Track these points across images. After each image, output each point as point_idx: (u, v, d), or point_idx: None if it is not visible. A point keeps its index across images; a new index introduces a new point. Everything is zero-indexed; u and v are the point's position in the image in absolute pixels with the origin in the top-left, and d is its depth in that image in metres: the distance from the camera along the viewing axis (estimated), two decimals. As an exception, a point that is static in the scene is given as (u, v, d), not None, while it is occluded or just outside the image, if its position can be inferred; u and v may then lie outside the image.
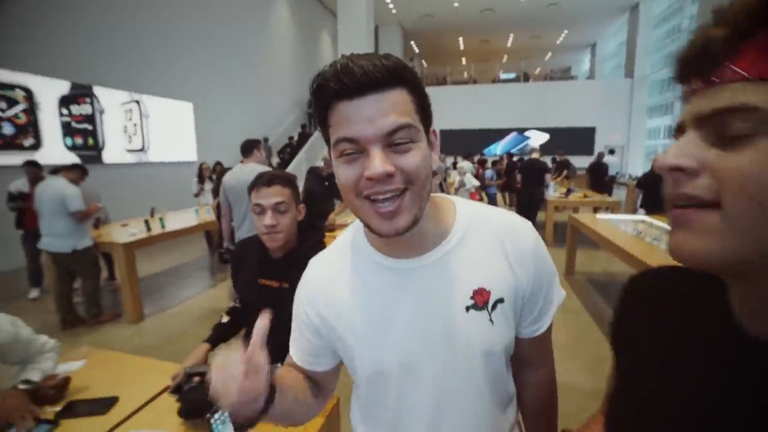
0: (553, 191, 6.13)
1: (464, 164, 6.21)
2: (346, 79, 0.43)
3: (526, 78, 15.83)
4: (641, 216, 4.16)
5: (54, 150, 5.18)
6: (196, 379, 1.08)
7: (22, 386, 1.10)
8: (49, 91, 5.11)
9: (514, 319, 0.57)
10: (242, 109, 9.27)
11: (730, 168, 0.27)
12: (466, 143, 12.79)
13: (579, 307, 3.47)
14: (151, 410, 1.12)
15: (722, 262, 0.28)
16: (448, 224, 0.57)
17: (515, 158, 9.01)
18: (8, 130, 4.68)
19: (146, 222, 3.71)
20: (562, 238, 5.33)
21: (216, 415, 0.92)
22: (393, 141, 0.45)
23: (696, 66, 0.30)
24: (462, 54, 18.63)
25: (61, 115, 5.32)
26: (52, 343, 1.24)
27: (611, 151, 9.10)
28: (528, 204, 5.54)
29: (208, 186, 5.36)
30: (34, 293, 3.85)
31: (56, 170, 3.23)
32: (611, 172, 8.19)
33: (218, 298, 3.87)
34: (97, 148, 5.88)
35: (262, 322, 0.47)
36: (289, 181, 1.17)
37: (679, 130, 0.31)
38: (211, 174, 5.51)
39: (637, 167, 12.39)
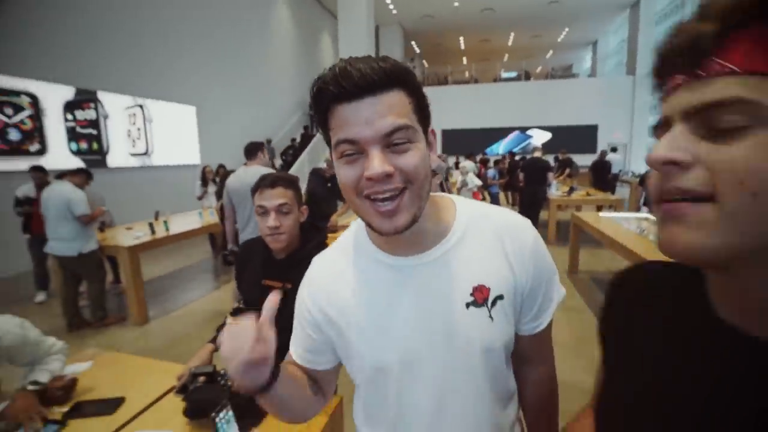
0: (556, 190, 6.12)
1: (467, 164, 6.22)
2: (344, 83, 0.45)
3: (528, 77, 15.78)
4: (645, 214, 4.15)
5: (59, 155, 5.24)
6: (201, 379, 1.10)
7: (30, 387, 1.12)
8: (54, 96, 5.16)
9: (514, 315, 0.58)
10: (244, 111, 9.30)
11: (724, 160, 0.27)
12: (468, 143, 12.79)
13: (582, 305, 3.46)
14: (156, 410, 1.14)
15: (716, 255, 0.28)
16: (448, 223, 0.58)
17: (517, 157, 9.01)
18: (15, 136, 4.74)
19: (150, 225, 3.73)
20: (565, 236, 5.31)
21: (221, 415, 0.93)
22: (391, 141, 0.46)
23: (681, 60, 0.30)
24: (463, 53, 18.61)
25: (66, 120, 5.37)
26: (59, 345, 1.26)
27: (614, 149, 9.07)
28: (531, 203, 5.53)
29: (212, 189, 5.40)
30: (40, 297, 3.89)
31: (62, 175, 3.26)
32: (614, 169, 8.15)
33: (222, 301, 3.89)
34: (102, 153, 5.93)
35: (273, 299, 0.48)
36: (292, 183, 1.18)
37: (664, 125, 0.31)
38: (215, 177, 5.55)
39: (641, 165, 12.25)
